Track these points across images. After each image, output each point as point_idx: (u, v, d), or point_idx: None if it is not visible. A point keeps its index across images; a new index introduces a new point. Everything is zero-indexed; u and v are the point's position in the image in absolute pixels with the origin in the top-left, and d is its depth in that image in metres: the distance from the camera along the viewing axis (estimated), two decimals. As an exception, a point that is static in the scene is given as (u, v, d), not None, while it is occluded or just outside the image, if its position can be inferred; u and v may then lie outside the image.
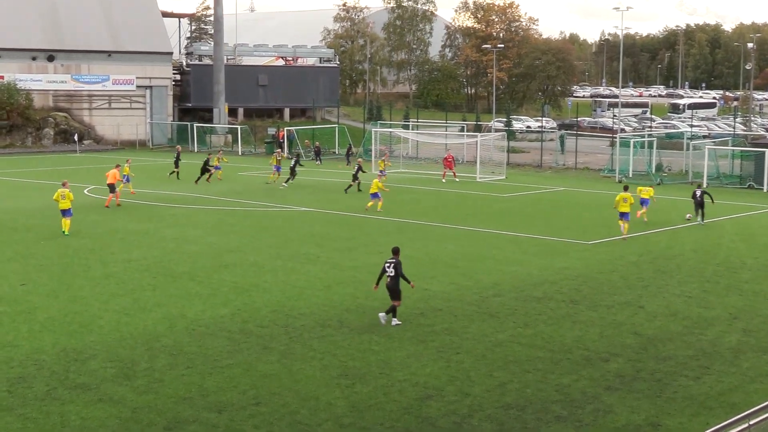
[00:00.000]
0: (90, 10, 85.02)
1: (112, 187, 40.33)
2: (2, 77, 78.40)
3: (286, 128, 75.93)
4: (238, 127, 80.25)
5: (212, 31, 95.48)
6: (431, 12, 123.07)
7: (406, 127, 74.45)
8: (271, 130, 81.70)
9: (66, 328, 19.75)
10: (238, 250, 29.39)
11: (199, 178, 49.78)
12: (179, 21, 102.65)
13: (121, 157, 64.05)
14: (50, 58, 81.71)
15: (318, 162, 65.86)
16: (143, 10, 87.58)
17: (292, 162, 50.15)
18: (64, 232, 32.29)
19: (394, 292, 20.32)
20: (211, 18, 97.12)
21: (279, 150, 59.70)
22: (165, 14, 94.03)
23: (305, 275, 25.58)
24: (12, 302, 21.99)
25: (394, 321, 20.32)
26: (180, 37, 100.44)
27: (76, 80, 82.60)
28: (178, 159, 53.21)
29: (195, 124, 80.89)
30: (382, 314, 20.48)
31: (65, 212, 32.73)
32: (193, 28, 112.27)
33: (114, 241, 31.11)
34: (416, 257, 28.06)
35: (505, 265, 27.52)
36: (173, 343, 18.74)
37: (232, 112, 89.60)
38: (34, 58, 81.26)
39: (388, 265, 20.40)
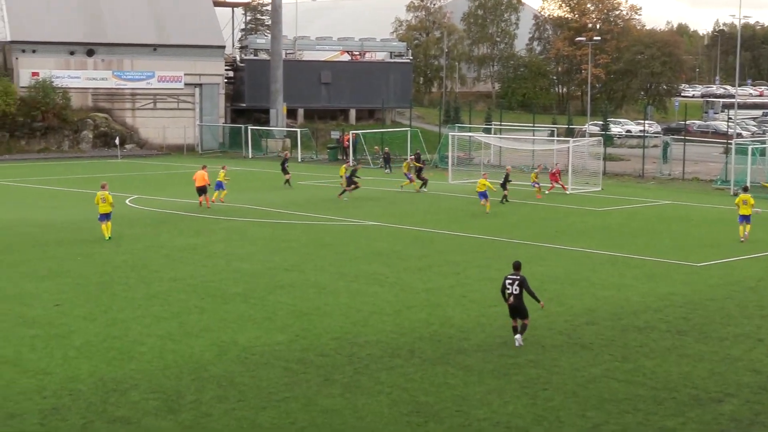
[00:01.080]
0: (134, 0, 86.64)
1: (201, 190, 44.34)
2: (37, 74, 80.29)
3: (351, 132, 76.34)
4: (298, 130, 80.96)
5: (269, 23, 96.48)
6: (518, 0, 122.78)
7: (487, 131, 74.31)
8: (335, 134, 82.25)
9: (104, 355, 20.08)
10: (296, 269, 29.59)
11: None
12: (233, 11, 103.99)
13: (169, 163, 65.14)
14: (90, 53, 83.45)
15: (387, 170, 66.04)
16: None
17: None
18: (109, 237, 34.31)
19: (521, 310, 20.90)
20: (269, 7, 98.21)
21: (354, 162, 60.30)
22: (217, 3, 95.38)
23: (372, 298, 25.63)
24: (45, 325, 22.45)
25: (518, 340, 20.92)
26: (233, 29, 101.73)
27: (118, 77, 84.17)
28: (284, 165, 54.78)
29: (249, 127, 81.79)
30: (518, 336, 20.99)
31: (105, 216, 34.42)
32: (248, 18, 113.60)
33: (157, 257, 31.57)
34: (498, 279, 27.86)
35: (600, 289, 27.25)
36: (223, 373, 18.92)
37: (291, 114, 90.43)
38: (72, 53, 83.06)
39: (510, 282, 20.93)
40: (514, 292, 20.77)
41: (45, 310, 23.95)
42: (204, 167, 46.52)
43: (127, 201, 47.11)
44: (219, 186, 46.65)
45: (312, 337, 21.67)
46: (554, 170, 52.95)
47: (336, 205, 46.49)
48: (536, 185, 49.65)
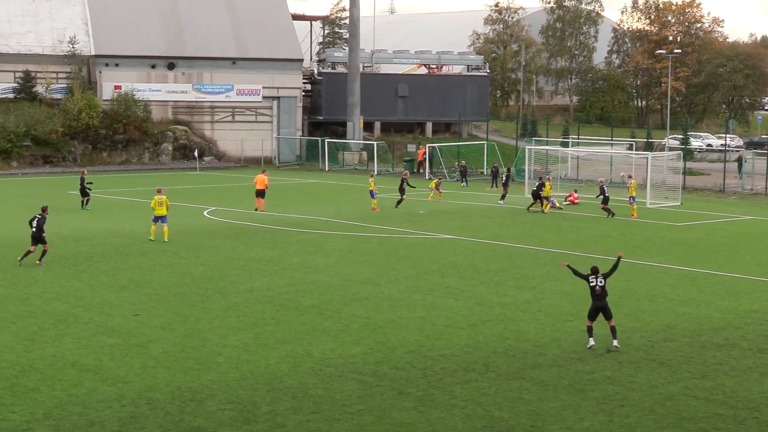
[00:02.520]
0: (214, 14, 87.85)
1: (261, 193, 48.15)
2: (119, 87, 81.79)
3: (427, 145, 76.39)
4: (375, 143, 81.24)
5: (347, 36, 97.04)
6: (597, 13, 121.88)
7: (565, 144, 73.83)
8: (411, 147, 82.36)
9: (182, 365, 20.35)
10: (371, 282, 29.69)
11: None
12: (311, 24, 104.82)
13: (247, 176, 65.84)
14: (170, 66, 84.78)
15: (464, 183, 66.00)
16: (272, 12, 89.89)
17: (401, 182, 51.51)
18: (163, 240, 36.88)
19: (606, 310, 21.71)
20: (346, 21, 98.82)
21: (440, 178, 60.53)
22: (295, 17, 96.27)
23: (447, 311, 25.61)
24: (125, 334, 22.82)
25: (615, 343, 21.74)
26: (311, 43, 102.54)
27: (198, 90, 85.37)
28: (403, 185, 51.93)
29: (326, 140, 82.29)
30: (592, 341, 21.79)
31: (161, 219, 37.03)
32: (326, 32, 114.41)
33: (234, 269, 31.91)
34: (574, 294, 27.72)
35: (679, 305, 26.89)
36: (298, 385, 19.05)
37: (368, 127, 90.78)
38: (153, 66, 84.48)
39: (593, 277, 21.83)
40: (600, 284, 21.68)
41: (125, 320, 24.35)
42: (264, 171, 50.32)
43: (205, 213, 47.72)
44: (372, 195, 49.19)
45: (386, 350, 21.71)
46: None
47: (411, 218, 46.55)
48: (632, 201, 48.12)
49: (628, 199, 48.71)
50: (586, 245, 37.88)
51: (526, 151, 62.36)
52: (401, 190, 50.85)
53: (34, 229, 31.99)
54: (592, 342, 21.80)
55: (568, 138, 78.79)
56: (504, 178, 56.37)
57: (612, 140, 75.48)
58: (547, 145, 71.16)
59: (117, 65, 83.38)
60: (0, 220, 44.97)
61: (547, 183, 50.04)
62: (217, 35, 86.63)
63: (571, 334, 22.89)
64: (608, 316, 21.79)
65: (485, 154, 76.03)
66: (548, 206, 49.10)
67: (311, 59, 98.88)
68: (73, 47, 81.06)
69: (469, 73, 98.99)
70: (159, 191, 38.47)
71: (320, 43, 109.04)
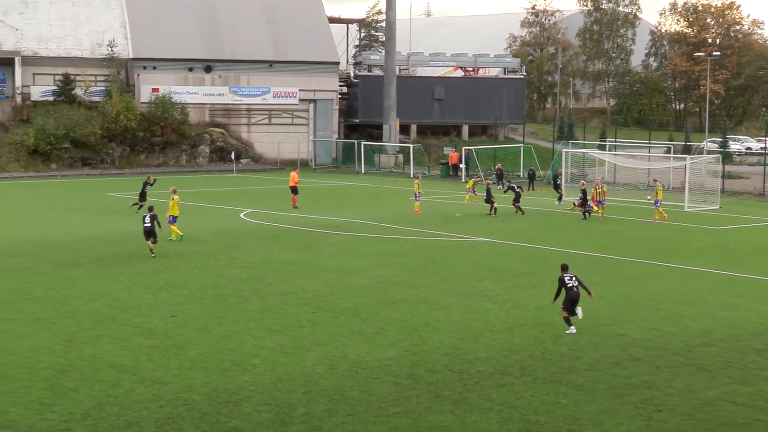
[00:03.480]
0: (252, 17, 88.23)
1: (294, 189, 50.69)
2: (157, 90, 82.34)
3: (464, 148, 76.26)
4: (411, 145, 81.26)
5: (383, 39, 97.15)
6: (634, 15, 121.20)
7: (602, 147, 73.47)
8: (447, 150, 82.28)
9: (218, 366, 20.43)
10: (407, 285, 29.67)
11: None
12: (347, 27, 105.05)
13: (283, 178, 65.98)
14: (208, 69, 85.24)
15: (500, 187, 65.78)
16: (308, 15, 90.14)
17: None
18: (180, 238, 37.95)
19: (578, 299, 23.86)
20: (383, 24, 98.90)
21: (478, 177, 60.38)
22: (332, 20, 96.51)
23: (483, 315, 25.55)
24: (162, 335, 22.95)
25: (572, 329, 23.56)
26: (348, 45, 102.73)
27: (235, 93, 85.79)
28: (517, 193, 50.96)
29: (362, 143, 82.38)
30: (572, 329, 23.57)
31: (176, 219, 38.11)
32: (363, 35, 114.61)
33: (270, 271, 32.00)
34: (611, 297, 27.58)
35: (718, 309, 26.65)
36: (334, 387, 19.07)
37: (404, 129, 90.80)
38: (190, 69, 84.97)
39: (569, 278, 23.89)
40: (575, 285, 23.74)
41: (162, 321, 24.48)
42: (296, 169, 53.56)
43: (241, 215, 47.91)
44: (417, 197, 49.54)
45: (422, 352, 21.69)
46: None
47: (447, 220, 46.48)
48: (657, 205, 48.00)
49: (653, 202, 48.35)
50: (621, 249, 37.64)
51: (563, 154, 62.10)
52: (490, 199, 48.64)
53: (147, 225, 34.79)
54: (573, 329, 23.54)
55: (605, 141, 78.38)
56: (556, 181, 57.10)
57: (650, 143, 75.00)
58: (584, 148, 70.82)
59: (155, 68, 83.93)
60: (39, 222, 45.40)
61: (603, 187, 49.65)
62: (254, 38, 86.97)
63: (608, 338, 22.77)
64: (573, 313, 23.82)
65: (522, 157, 75.75)
66: (601, 209, 48.53)
67: (347, 62, 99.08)
68: (111, 50, 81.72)
69: (506, 76, 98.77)
70: (175, 191, 39.26)
71: (356, 46, 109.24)
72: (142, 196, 47.56)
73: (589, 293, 24.09)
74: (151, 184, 48.40)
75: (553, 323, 24.48)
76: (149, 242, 34.65)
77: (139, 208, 46.49)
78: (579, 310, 23.89)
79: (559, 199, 54.92)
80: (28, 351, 21.26)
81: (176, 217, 38.44)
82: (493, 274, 31.60)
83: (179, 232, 38.38)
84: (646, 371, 20.42)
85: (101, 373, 19.69)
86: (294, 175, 51.93)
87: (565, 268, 24.47)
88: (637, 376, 20.03)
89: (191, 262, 33.62)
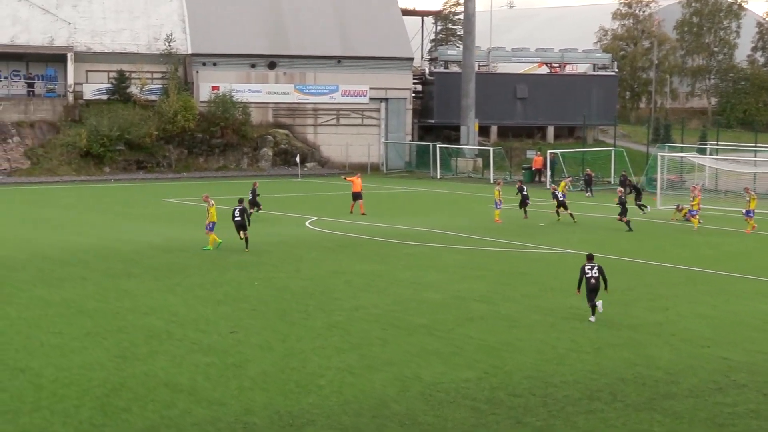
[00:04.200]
0: (319, 10, 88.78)
1: (356, 195, 51.63)
2: (217, 88, 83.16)
3: (549, 151, 75.88)
4: (491, 148, 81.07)
5: (461, 33, 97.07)
6: (739, 5, 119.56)
7: (702, 151, 72.54)
8: (531, 153, 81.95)
9: (281, 387, 20.49)
10: (487, 300, 29.55)
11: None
12: (422, 20, 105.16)
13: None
14: (271, 65, 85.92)
15: (588, 194, 65.36)
16: (380, 8, 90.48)
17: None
18: (218, 246, 38.63)
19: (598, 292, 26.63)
20: (461, 16, 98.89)
21: (570, 178, 59.97)
22: (406, 12, 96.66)
23: (569, 334, 25.33)
24: (221, 353, 23.10)
25: (592, 318, 26.58)
26: (423, 40, 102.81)
27: (300, 91, 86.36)
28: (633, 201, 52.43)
29: (438, 145, 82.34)
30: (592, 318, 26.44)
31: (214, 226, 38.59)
32: (439, 28, 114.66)
33: (338, 284, 32.07)
34: (713, 316, 27.16)
35: (833, 331, 26.10)
36: (405, 411, 19.02)
37: (483, 131, 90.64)
38: (253, 66, 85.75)
39: (590, 267, 26.67)
40: (594, 275, 26.49)
41: (221, 337, 24.64)
42: (358, 175, 54.33)
43: (307, 223, 48.14)
44: (497, 205, 49.46)
45: (502, 374, 21.55)
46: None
47: (531, 230, 46.23)
48: (749, 216, 47.22)
49: (743, 212, 47.57)
50: (724, 263, 37.09)
51: (658, 159, 61.44)
52: (624, 210, 47.75)
53: (238, 219, 38.64)
54: (593, 318, 26.61)
55: (706, 144, 77.38)
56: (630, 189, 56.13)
57: (756, 146, 73.88)
58: (681, 151, 70.01)
59: (215, 64, 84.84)
60: (91, 229, 46.09)
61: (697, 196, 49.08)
62: (321, 32, 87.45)
63: (710, 362, 22.41)
64: (597, 296, 26.67)
65: (612, 162, 75.14)
66: (696, 220, 48.02)
67: (422, 58, 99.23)
68: (169, 45, 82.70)
69: (595, 73, 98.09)
70: (209, 198, 39.86)
71: (432, 41, 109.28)
72: (254, 203, 49.30)
73: (605, 287, 26.73)
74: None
75: (646, 343, 24.20)
76: (241, 235, 38.84)
77: (257, 210, 49.14)
78: (600, 304, 26.52)
79: (638, 200, 53.91)
80: (78, 367, 21.55)
81: (215, 223, 38.91)
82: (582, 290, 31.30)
83: (218, 239, 38.88)
84: (752, 399, 20.07)
85: (155, 393, 19.87)
86: (356, 181, 52.92)
87: (589, 258, 27.24)
88: (742, 405, 19.69)
89: (252, 273, 33.84)
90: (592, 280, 26.51)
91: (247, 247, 38.57)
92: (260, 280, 32.62)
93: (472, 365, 22.29)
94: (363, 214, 51.20)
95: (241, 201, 40.55)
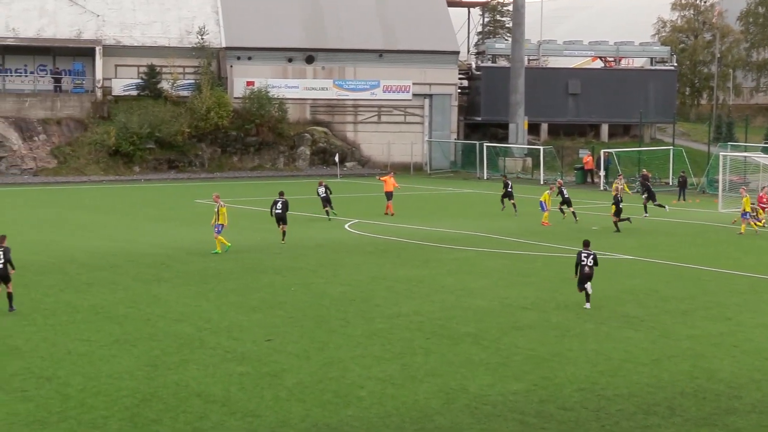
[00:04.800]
0: (360, 1, 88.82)
1: (389, 195, 53.00)
2: (252, 83, 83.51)
3: (603, 150, 75.60)
4: (541, 147, 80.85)
5: (510, 25, 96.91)
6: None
7: (767, 150, 72.02)
8: (583, 152, 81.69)
9: (318, 398, 20.57)
10: (535, 308, 29.51)
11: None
12: (468, 12, 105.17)
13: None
14: (309, 60, 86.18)
15: (644, 196, 65.01)
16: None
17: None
18: (226, 249, 39.18)
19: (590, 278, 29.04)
20: (509, 8, 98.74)
21: (621, 176, 59.65)
22: (451, 3, 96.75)
23: (624, 344, 25.25)
24: (256, 361, 23.22)
25: (587, 306, 29.00)
26: (469, 33, 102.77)
27: (340, 86, 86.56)
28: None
29: (485, 144, 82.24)
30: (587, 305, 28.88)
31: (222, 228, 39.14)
32: (486, 20, 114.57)
33: (379, 290, 32.13)
34: (778, 327, 26.98)
35: None
36: (450, 425, 19.04)
37: (533, 129, 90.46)
38: (290, 60, 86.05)
39: (586, 255, 28.94)
40: (589, 264, 28.86)
41: (255, 345, 24.76)
42: (391, 174, 56.31)
43: (346, 226, 48.27)
44: (542, 208, 49.51)
45: (553, 386, 21.52)
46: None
47: (582, 234, 46.06)
48: (744, 217, 47.48)
49: (740, 214, 48.33)
50: (791, 270, 36.85)
51: (720, 158, 61.05)
52: (618, 210, 48.26)
53: (278, 211, 42.18)
54: (587, 306, 29.08)
55: (772, 143, 76.84)
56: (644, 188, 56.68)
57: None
58: (745, 151, 69.51)
59: (250, 58, 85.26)
60: (120, 231, 46.46)
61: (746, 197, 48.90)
62: (362, 24, 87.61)
63: (775, 376, 22.30)
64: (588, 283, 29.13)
65: (671, 162, 74.71)
66: (756, 224, 47.82)
67: (468, 51, 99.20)
68: (202, 38, 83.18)
69: (653, 67, 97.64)
70: (219, 197, 40.29)
71: (479, 33, 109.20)
72: (327, 201, 51.28)
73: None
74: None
75: (707, 355, 24.08)
76: (281, 228, 42.19)
77: (331, 209, 51.68)
78: (588, 286, 28.97)
79: (653, 200, 54.57)
80: (107, 376, 21.74)
81: (224, 226, 39.40)
82: (636, 298, 31.22)
83: (226, 243, 39.28)
84: (820, 414, 19.93)
85: (187, 403, 20.01)
86: (388, 180, 54.40)
87: (586, 245, 29.51)
88: (809, 420, 19.57)
89: (289, 278, 33.98)
90: (586, 268, 28.89)
91: (283, 240, 41.95)
92: (297, 285, 32.74)
93: (521, 377, 22.27)
94: (391, 214, 52.52)
95: (281, 194, 43.43)
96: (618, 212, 47.40)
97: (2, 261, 27.51)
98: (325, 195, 50.52)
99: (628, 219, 47.82)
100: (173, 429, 18.56)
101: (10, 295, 28.07)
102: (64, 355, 23.47)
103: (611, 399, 20.72)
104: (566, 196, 51.89)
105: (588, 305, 28.93)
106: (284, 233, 42.25)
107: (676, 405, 20.41)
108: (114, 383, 21.24)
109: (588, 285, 28.94)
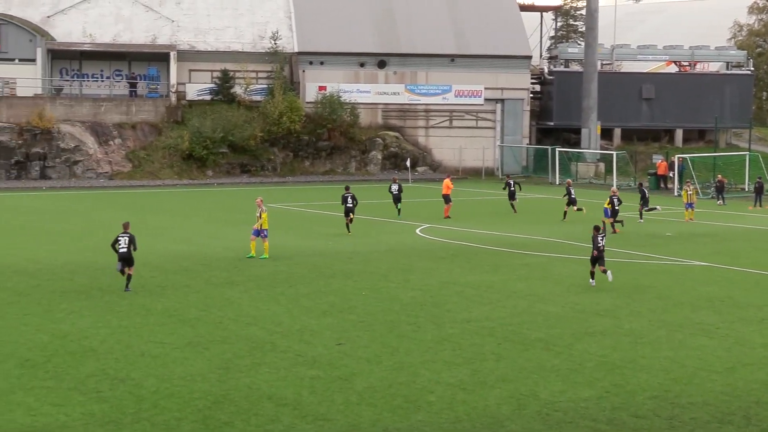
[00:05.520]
0: (431, 5, 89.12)
1: (447, 198, 54.09)
2: (324, 88, 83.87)
3: (677, 155, 74.88)
4: (614, 153, 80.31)
5: (583, 29, 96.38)
6: None
7: None
8: (657, 158, 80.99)
9: (389, 402, 20.59)
10: (608, 314, 29.31)
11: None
12: (541, 16, 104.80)
13: (465, 189, 66.10)
14: (381, 64, 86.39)
15: (720, 201, 64.36)
16: (496, 3, 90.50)
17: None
18: (260, 256, 38.96)
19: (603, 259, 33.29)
20: (583, 12, 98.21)
21: (689, 181, 59.19)
22: (523, 8, 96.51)
23: (698, 352, 24.99)
24: (326, 365, 23.30)
25: (610, 275, 33.06)
26: (542, 37, 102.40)
27: (411, 91, 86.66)
28: None
29: (557, 149, 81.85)
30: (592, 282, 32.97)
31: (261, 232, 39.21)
32: (559, 24, 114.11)
33: (450, 295, 32.11)
34: None
35: None
36: (521, 430, 18.97)
37: (606, 134, 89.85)
38: (362, 65, 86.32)
39: (601, 237, 32.97)
40: (603, 245, 33.07)
41: (326, 349, 24.85)
42: (449, 176, 59.06)
43: (417, 230, 48.28)
44: (606, 213, 49.03)
45: (625, 394, 21.36)
46: None
47: (656, 240, 45.71)
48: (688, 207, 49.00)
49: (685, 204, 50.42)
50: None
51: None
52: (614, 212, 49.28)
53: (350, 205, 46.76)
54: (593, 282, 33.24)
55: None
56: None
57: None
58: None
59: (322, 63, 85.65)
60: (193, 235, 46.87)
61: None
62: (434, 29, 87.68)
63: None
64: (603, 263, 33.29)
65: (747, 167, 73.80)
66: None
67: (541, 56, 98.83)
68: (274, 43, 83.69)
69: (729, 72, 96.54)
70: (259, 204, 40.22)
71: (552, 38, 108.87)
72: (397, 199, 54.35)
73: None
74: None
75: (784, 364, 23.77)
76: (348, 218, 46.57)
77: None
78: (609, 273, 33.07)
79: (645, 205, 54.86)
80: (180, 378, 21.94)
81: (259, 231, 39.41)
82: (712, 305, 30.88)
83: (253, 251, 39.28)
84: None
85: (258, 406, 20.13)
86: (448, 183, 55.57)
87: (597, 229, 33.23)
88: None
89: (360, 283, 34.06)
90: (601, 247, 32.95)
91: (349, 231, 46.19)
92: (368, 290, 32.81)
93: (593, 383, 22.13)
94: (445, 217, 53.54)
95: (348, 188, 48.06)
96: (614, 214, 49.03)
97: (127, 246, 31.35)
98: (397, 193, 54.09)
99: (621, 222, 49.30)
100: (244, 431, 18.69)
101: (129, 277, 31.73)
102: (137, 356, 23.73)
103: (685, 407, 20.52)
104: (573, 196, 53.18)
105: (593, 282, 33.44)
106: (349, 225, 46.57)
107: (752, 414, 20.16)
108: (187, 385, 21.43)
109: (609, 272, 33.15)
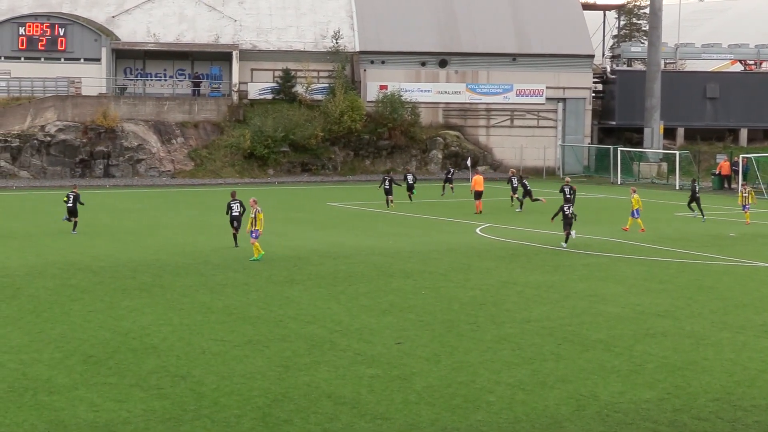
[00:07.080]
0: (492, 4, 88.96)
1: (478, 194, 55.89)
2: (385, 87, 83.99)
3: (741, 155, 74.10)
4: (677, 152, 79.64)
5: (646, 28, 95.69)
6: None
7: None
8: (720, 158, 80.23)
9: (448, 402, 20.58)
10: (669, 315, 29.08)
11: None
12: (604, 15, 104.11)
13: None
14: (442, 63, 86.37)
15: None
16: (558, 1, 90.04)
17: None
18: (251, 258, 38.40)
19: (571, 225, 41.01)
20: (646, 10, 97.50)
21: (746, 183, 58.68)
22: (586, 6, 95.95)
23: (762, 354, 24.72)
24: (385, 364, 23.32)
25: (564, 245, 39.27)
26: (604, 36, 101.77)
27: (472, 90, 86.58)
28: None
29: (619, 148, 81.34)
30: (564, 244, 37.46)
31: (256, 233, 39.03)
32: (622, 23, 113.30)
33: (509, 294, 32.02)
34: None
35: None
36: (580, 431, 18.89)
37: (669, 133, 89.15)
38: (423, 64, 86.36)
39: (567, 207, 40.51)
40: (572, 211, 40.04)
41: (386, 348, 24.87)
42: (477, 171, 61.97)
43: (477, 230, 48.20)
44: (635, 214, 48.83)
45: (686, 396, 21.18)
46: None
47: (719, 241, 45.29)
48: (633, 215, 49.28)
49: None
50: None
51: None
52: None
53: (410, 182, 59.24)
54: (564, 245, 40.09)
55: None
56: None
57: None
58: None
59: (383, 62, 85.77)
60: (254, 233, 47.13)
61: None
62: (495, 28, 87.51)
63: None
64: (570, 227, 40.93)
65: (812, 167, 72.89)
66: None
67: (603, 55, 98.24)
68: (336, 43, 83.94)
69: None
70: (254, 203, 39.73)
71: (614, 37, 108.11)
72: (527, 193, 57.09)
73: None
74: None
75: None
76: (390, 198, 56.60)
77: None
78: (573, 233, 41.15)
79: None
80: (240, 376, 22.07)
81: (260, 232, 38.80)
82: (776, 307, 30.57)
83: (261, 250, 38.80)
84: None
85: (318, 405, 20.20)
86: (479, 179, 57.18)
87: (567, 200, 43.85)
88: None
89: (419, 282, 34.07)
90: (569, 215, 40.80)
91: (389, 205, 56.00)
92: (427, 289, 32.82)
93: (653, 385, 21.97)
94: (478, 212, 55.33)
95: (388, 172, 54.36)
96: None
97: (239, 211, 41.30)
98: (411, 183, 60.90)
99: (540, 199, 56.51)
100: (304, 429, 18.75)
101: (235, 236, 41.32)
102: (198, 354, 23.90)
103: (748, 410, 20.31)
104: (568, 195, 52.89)
105: (565, 245, 40.91)
106: (390, 201, 56.75)
107: (816, 417, 19.92)
108: (246, 383, 21.55)
109: (573, 232, 41.50)
